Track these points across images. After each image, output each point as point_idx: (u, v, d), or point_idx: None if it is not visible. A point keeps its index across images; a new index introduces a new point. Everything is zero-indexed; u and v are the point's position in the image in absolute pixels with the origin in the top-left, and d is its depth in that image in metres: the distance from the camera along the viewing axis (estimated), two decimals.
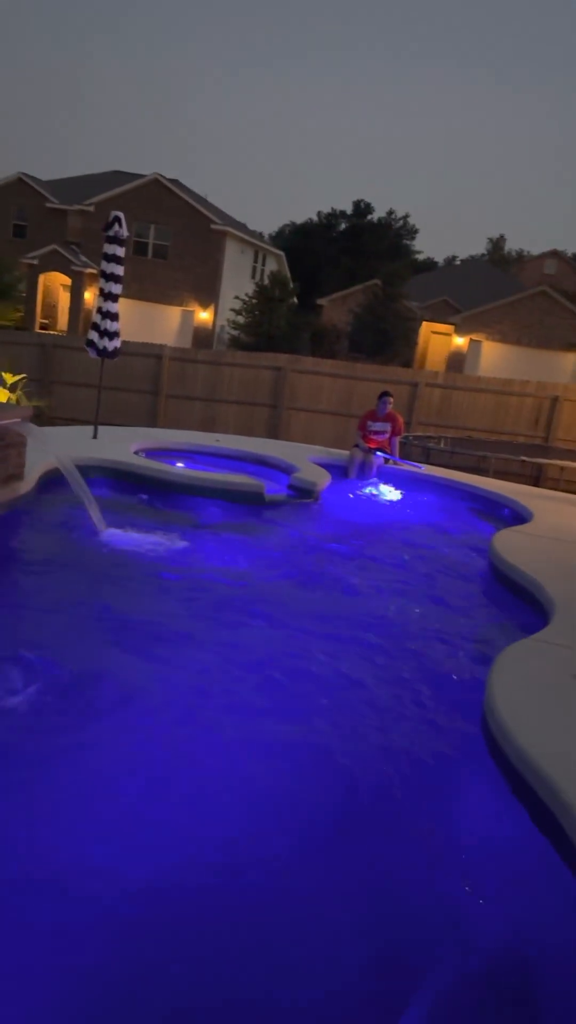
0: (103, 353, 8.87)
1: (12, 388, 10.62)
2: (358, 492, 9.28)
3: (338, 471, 9.47)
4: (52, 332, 31.49)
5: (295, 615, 5.13)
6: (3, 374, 9.74)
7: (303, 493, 8.28)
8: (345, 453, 10.22)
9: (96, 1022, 2.11)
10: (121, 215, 8.67)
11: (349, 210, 54.15)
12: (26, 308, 32.77)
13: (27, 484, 6.46)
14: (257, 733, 3.65)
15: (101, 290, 8.77)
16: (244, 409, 17.28)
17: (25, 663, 3.81)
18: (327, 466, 9.40)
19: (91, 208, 32.92)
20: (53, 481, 6.84)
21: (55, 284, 35.21)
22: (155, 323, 32.39)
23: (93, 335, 8.84)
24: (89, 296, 32.55)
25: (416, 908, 2.67)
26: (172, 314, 33.71)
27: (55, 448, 6.71)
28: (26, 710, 3.49)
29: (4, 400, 8.81)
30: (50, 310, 35.57)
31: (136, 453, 8.61)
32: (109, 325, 8.79)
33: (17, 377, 11.09)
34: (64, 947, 2.30)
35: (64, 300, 34.97)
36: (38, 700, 3.57)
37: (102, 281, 8.77)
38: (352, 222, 53.52)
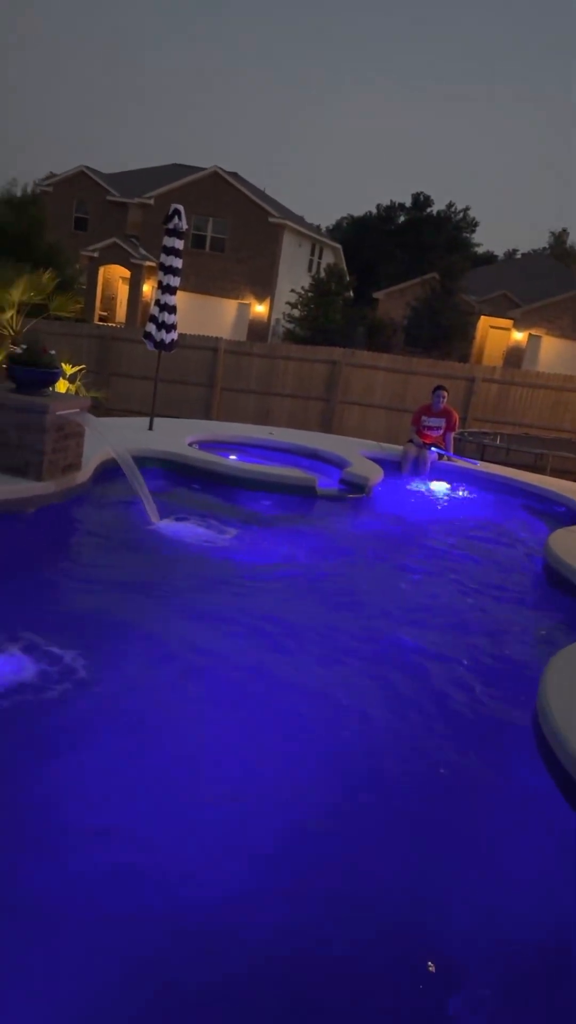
0: (160, 345, 8.97)
1: (72, 379, 10.83)
2: (411, 488, 9.20)
3: (391, 466, 9.40)
4: (111, 324, 32.00)
5: (345, 609, 5.12)
6: (63, 365, 9.93)
7: (355, 488, 8.25)
8: (399, 448, 10.14)
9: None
10: (181, 208, 8.73)
11: (408, 203, 53.54)
12: (86, 300, 33.32)
13: (84, 474, 6.58)
14: (304, 718, 3.66)
15: (159, 282, 8.86)
16: (298, 402, 17.28)
17: (75, 646, 3.89)
18: (380, 461, 9.34)
19: (151, 201, 33.27)
20: (109, 471, 6.96)
21: (114, 276, 35.72)
22: (211, 316, 32.60)
23: (151, 327, 8.94)
24: (147, 288, 32.96)
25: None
26: (228, 307, 33.88)
27: (112, 439, 6.82)
28: (73, 690, 3.56)
29: (64, 391, 8.98)
30: (109, 302, 36.12)
31: (190, 445, 8.69)
32: (167, 317, 8.88)
33: (77, 368, 11.30)
34: None
35: (123, 292, 35.47)
36: (84, 679, 3.64)
37: (160, 274, 8.86)
38: (411, 215, 52.87)
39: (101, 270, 34.03)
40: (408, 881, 2.75)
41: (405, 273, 41.25)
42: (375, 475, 8.46)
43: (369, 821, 3.04)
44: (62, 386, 8.75)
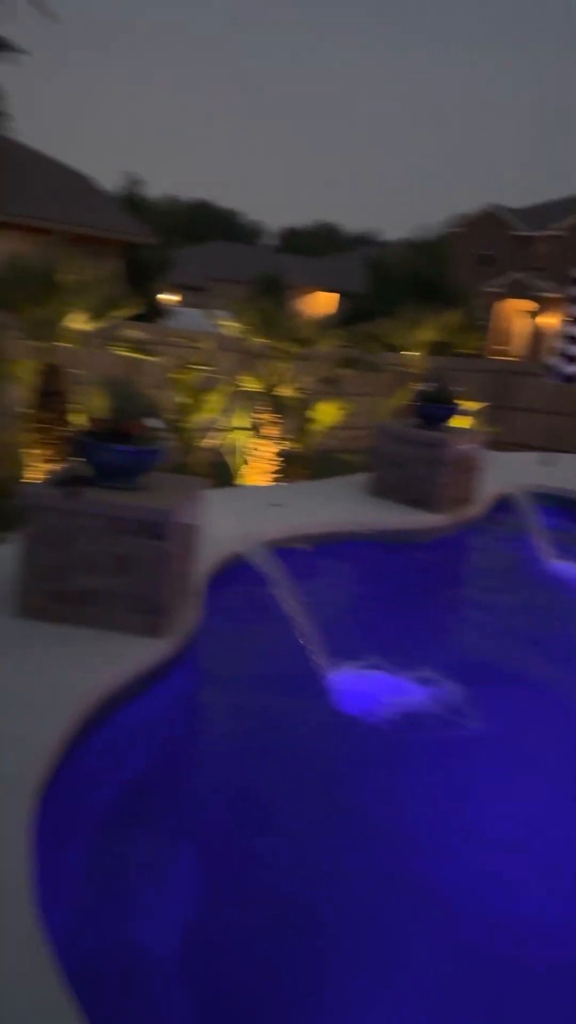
0: (566, 379, 8.69)
1: (473, 415, 10.98)
2: None
3: None
4: (507, 358, 31.92)
5: None
6: (465, 402, 10.12)
7: None
8: None
9: None
10: None
11: None
12: (483, 335, 33.77)
13: (478, 507, 6.65)
14: None
15: (569, 314, 8.60)
16: None
17: (467, 680, 3.92)
18: None
19: (561, 232, 32.53)
20: (502, 505, 6.92)
21: (512, 310, 35.63)
22: None
23: (556, 360, 8.72)
24: (550, 321, 32.17)
25: None
26: None
27: (505, 474, 6.79)
28: (464, 722, 3.59)
29: (465, 426, 9.18)
30: (504, 336, 36.13)
31: None
32: (574, 350, 8.58)
33: (479, 405, 11.44)
34: None
35: (519, 326, 35.17)
36: (475, 714, 3.64)
37: (570, 305, 8.59)
38: None
39: (500, 304, 34.24)
40: None
41: None
42: None
43: None
44: (464, 422, 8.98)
